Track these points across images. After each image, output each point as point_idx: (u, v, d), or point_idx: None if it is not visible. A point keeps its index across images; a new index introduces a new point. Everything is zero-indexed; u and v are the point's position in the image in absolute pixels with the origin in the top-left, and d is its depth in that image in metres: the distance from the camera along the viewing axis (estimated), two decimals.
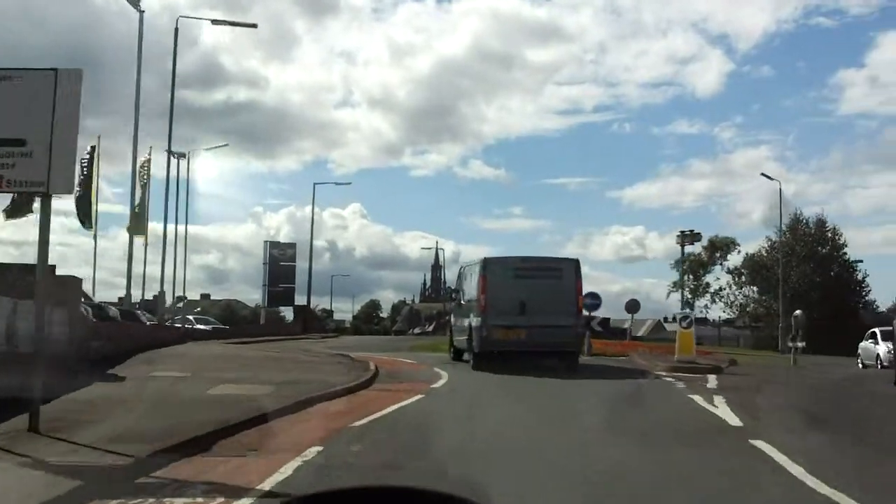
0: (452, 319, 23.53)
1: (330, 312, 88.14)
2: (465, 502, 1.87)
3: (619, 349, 27.97)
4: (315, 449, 8.33)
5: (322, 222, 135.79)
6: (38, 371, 8.61)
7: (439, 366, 19.51)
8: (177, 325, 39.06)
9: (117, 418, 9.85)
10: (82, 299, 24.40)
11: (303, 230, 64.56)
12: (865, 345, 28.75)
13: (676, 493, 6.91)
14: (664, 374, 18.37)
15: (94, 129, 77.39)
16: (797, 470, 7.41)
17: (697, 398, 13.11)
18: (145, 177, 38.04)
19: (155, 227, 48.16)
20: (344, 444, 8.77)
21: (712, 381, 16.52)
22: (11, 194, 20.47)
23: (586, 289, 27.74)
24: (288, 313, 66.41)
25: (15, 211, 25.10)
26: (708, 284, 61.85)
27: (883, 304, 59.49)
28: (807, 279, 53.45)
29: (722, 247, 61.23)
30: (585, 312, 27.83)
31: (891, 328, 28.38)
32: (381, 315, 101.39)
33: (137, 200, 38.91)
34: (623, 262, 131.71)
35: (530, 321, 18.74)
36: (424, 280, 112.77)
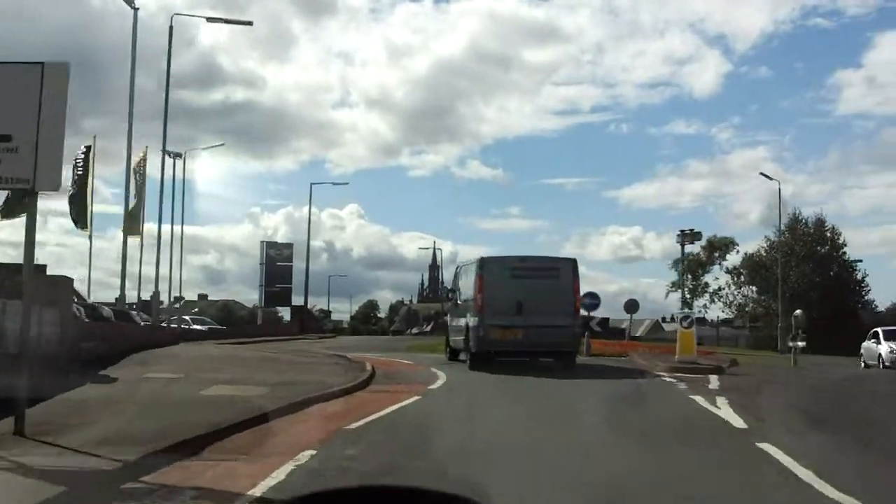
0: (448, 319, 23.32)
1: (328, 313, 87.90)
2: (465, 502, 1.86)
3: (618, 349, 27.73)
4: (309, 452, 8.10)
5: (320, 223, 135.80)
6: (23, 372, 8.38)
7: (437, 366, 19.28)
8: (173, 325, 38.92)
9: (107, 421, 9.62)
10: (75, 299, 24.20)
11: (300, 230, 64.68)
12: (868, 345, 28.48)
13: (682, 497, 6.69)
14: (665, 374, 18.13)
15: (92, 129, 77.43)
16: (805, 473, 7.20)
17: (699, 399, 12.89)
18: (141, 176, 37.77)
19: (152, 227, 47.93)
20: (339, 447, 8.55)
21: (714, 381, 16.29)
22: (6, 194, 20.37)
23: (584, 289, 27.52)
24: (286, 314, 66.17)
25: (9, 211, 24.89)
26: (707, 284, 61.66)
27: (881, 305, 59.47)
28: (806, 279, 53.22)
29: (721, 247, 60.98)
30: (584, 312, 27.73)
31: (894, 328, 28.28)
32: (378, 315, 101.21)
33: (132, 200, 38.78)
34: (620, 263, 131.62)
35: (527, 321, 18.56)
36: (422, 280, 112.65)
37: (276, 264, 60.09)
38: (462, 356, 20.74)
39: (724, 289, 60.57)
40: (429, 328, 68.70)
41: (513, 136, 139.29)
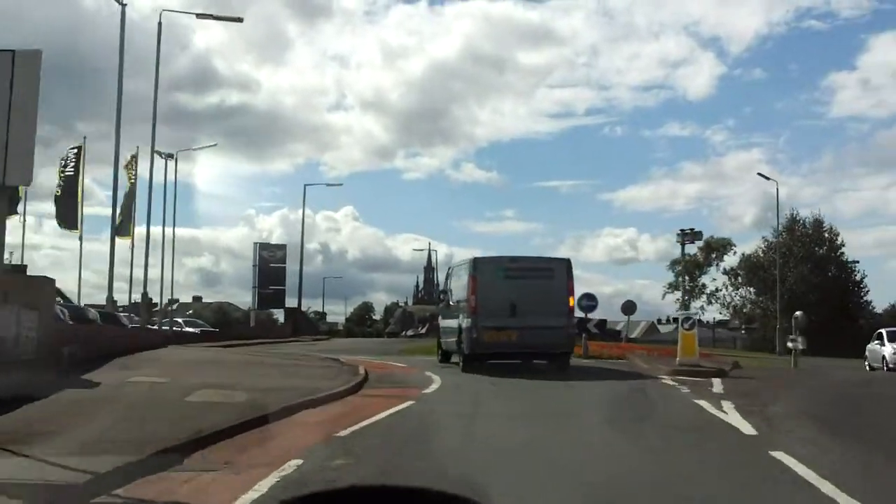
0: (440, 321, 22.91)
1: (322, 315, 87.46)
2: (465, 502, 1.86)
3: (616, 351, 27.24)
4: (294, 462, 7.63)
5: (314, 225, 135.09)
6: None
7: (431, 369, 18.82)
8: (164, 327, 38.39)
9: (82, 428, 9.12)
10: (60, 301, 23.66)
11: (295, 232, 64.15)
12: (872, 346, 27.99)
13: None
14: (666, 377, 17.66)
15: (88, 131, 76.75)
16: (825, 486, 6.72)
17: (704, 404, 12.39)
18: (133, 177, 37.29)
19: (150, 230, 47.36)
20: (328, 455, 8.07)
21: (717, 385, 15.81)
22: None
23: (580, 291, 27.23)
24: (280, 316, 65.64)
25: None
26: (704, 285, 61.22)
27: (877, 306, 59.11)
28: (804, 280, 52.83)
29: (718, 248, 60.52)
30: (582, 314, 27.32)
31: None
32: (373, 317, 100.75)
33: (121, 201, 38.27)
34: (615, 264, 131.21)
35: (521, 322, 18.27)
36: (417, 282, 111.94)
37: (270, 266, 59.47)
38: (454, 358, 20.44)
39: (721, 290, 60.20)
40: (424, 330, 68.19)
41: (507, 139, 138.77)
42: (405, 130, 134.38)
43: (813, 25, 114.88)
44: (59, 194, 34.87)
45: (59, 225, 34.92)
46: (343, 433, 9.35)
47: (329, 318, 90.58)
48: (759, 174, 56.31)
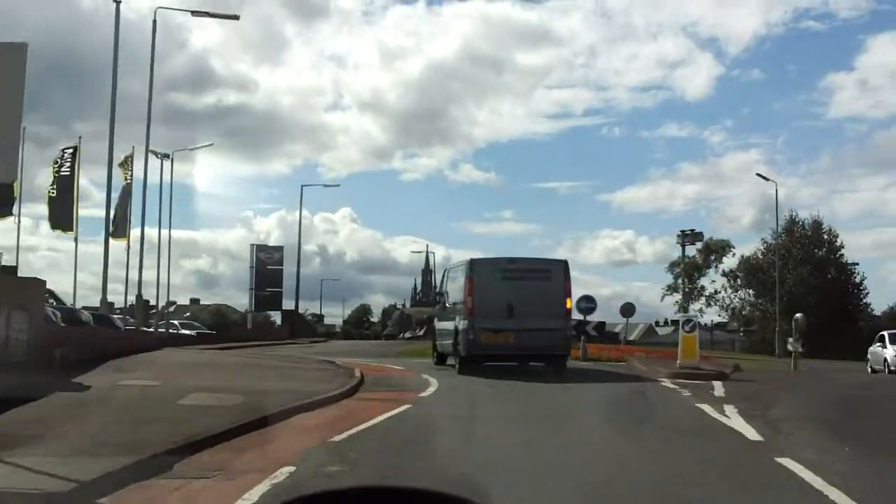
0: (436, 323, 22.73)
1: (320, 317, 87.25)
2: (465, 502, 1.86)
3: (615, 354, 26.97)
4: (287, 469, 7.41)
5: (312, 227, 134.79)
6: None
7: (428, 372, 18.60)
8: (160, 329, 38.13)
9: (70, 433, 8.89)
10: (53, 303, 23.45)
11: (293, 234, 63.73)
12: (874, 349, 27.69)
13: None
14: (667, 380, 17.43)
15: (87, 132, 76.48)
16: (834, 493, 6.51)
17: (706, 408, 12.16)
18: (129, 178, 37.00)
19: (147, 231, 47.09)
20: (322, 461, 7.86)
21: (718, 388, 15.56)
22: None
23: (578, 292, 27.02)
24: (278, 318, 65.32)
25: None
26: (703, 287, 60.97)
27: (876, 308, 58.92)
28: (803, 282, 52.61)
29: (717, 249, 60.28)
30: (581, 316, 27.08)
31: None
32: (371, 319, 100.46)
33: (115, 202, 37.97)
34: (613, 266, 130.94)
35: (518, 324, 18.13)
36: (415, 284, 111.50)
37: (267, 268, 59.14)
38: (450, 360, 20.26)
39: (720, 292, 59.98)
40: (421, 332, 67.89)
41: (505, 140, 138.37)
42: (403, 131, 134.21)
43: (811, 26, 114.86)
44: (53, 195, 34.55)
45: (53, 226, 34.59)
46: (338, 438, 9.14)
47: (327, 321, 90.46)
48: (759, 175, 56.16)
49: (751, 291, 58.01)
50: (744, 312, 59.26)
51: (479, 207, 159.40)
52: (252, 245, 61.68)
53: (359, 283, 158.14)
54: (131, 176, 36.66)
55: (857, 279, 56.57)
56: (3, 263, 29.14)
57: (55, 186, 34.21)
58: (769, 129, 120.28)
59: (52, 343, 15.42)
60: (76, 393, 12.04)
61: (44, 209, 35.46)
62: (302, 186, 59.89)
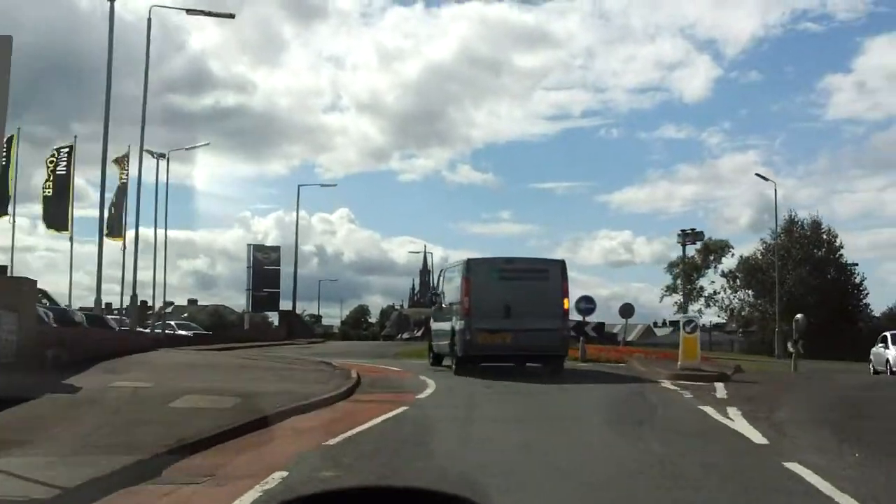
0: (432, 323, 22.54)
1: (318, 318, 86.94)
2: (465, 502, 1.88)
3: (614, 355, 26.73)
4: (279, 474, 7.19)
5: (310, 227, 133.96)
6: None
7: (425, 373, 18.39)
8: (157, 330, 37.91)
9: (58, 436, 8.67)
10: (46, 303, 23.17)
11: (291, 234, 63.30)
12: (877, 349, 27.43)
13: None
14: (667, 381, 17.20)
15: (85, 133, 76.29)
16: (846, 500, 6.30)
17: (709, 410, 11.93)
18: (125, 177, 36.81)
19: (144, 231, 46.91)
20: (314, 467, 7.63)
21: (720, 389, 15.34)
22: None
23: (576, 293, 26.84)
24: (276, 319, 65.03)
25: None
26: (702, 288, 60.69)
27: (874, 309, 58.72)
28: (803, 283, 52.40)
29: (716, 250, 60.01)
30: (580, 317, 26.87)
31: None
32: (369, 320, 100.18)
33: (109, 202, 37.72)
34: (611, 267, 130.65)
35: (516, 325, 17.97)
36: (413, 285, 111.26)
37: (264, 268, 58.79)
38: (446, 361, 20.09)
39: (719, 293, 59.74)
40: (419, 333, 67.62)
41: (503, 141, 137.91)
42: (401, 132, 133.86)
43: (809, 28, 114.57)
44: (49, 194, 34.31)
45: (48, 226, 34.35)
46: (333, 441, 8.92)
47: (325, 321, 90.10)
48: (758, 175, 56.00)
49: (750, 292, 57.79)
50: (743, 313, 59.01)
51: (477, 208, 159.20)
52: (249, 245, 61.38)
53: (357, 283, 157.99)
54: (127, 175, 36.51)
55: (857, 280, 56.42)
56: None
57: (51, 186, 33.97)
58: (767, 130, 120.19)
59: (44, 344, 15.19)
60: (66, 395, 11.80)
61: (41, 209, 35.17)
62: (299, 186, 59.65)
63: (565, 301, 19.07)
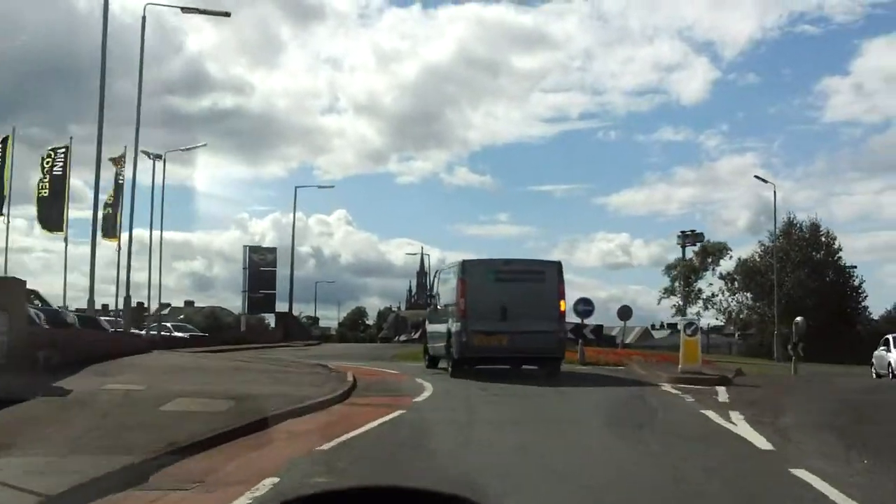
0: (427, 325, 22.35)
1: (315, 319, 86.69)
2: (465, 502, 1.86)
3: (613, 357, 26.51)
4: (270, 480, 6.97)
5: (307, 229, 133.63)
6: None
7: (422, 376, 18.18)
8: (152, 332, 37.66)
9: (43, 440, 8.45)
10: (38, 304, 22.94)
11: (288, 236, 63.17)
12: (879, 353, 27.15)
13: None
14: (668, 385, 16.98)
15: (83, 134, 75.93)
16: None
17: (711, 414, 11.71)
18: (121, 178, 36.59)
19: (140, 232, 46.80)
20: (306, 473, 7.40)
21: (722, 393, 15.12)
22: None
23: (574, 295, 26.62)
24: (273, 321, 64.81)
25: None
26: (700, 290, 60.40)
27: (874, 312, 58.53)
28: (801, 285, 52.18)
29: (714, 252, 59.73)
30: (578, 319, 26.65)
31: None
32: (367, 322, 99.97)
33: (103, 202, 37.47)
34: (609, 269, 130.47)
35: (512, 326, 17.83)
36: (410, 287, 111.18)
37: (260, 269, 58.50)
38: (442, 363, 19.94)
39: (717, 295, 59.49)
40: (417, 335, 67.41)
41: (501, 143, 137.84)
42: (399, 134, 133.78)
43: (806, 30, 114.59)
44: (45, 195, 34.06)
45: (43, 227, 34.12)
46: (326, 446, 8.68)
47: (322, 323, 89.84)
48: (757, 177, 55.78)
49: (748, 294, 57.54)
50: (741, 316, 58.76)
51: (475, 210, 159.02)
52: (245, 247, 61.05)
53: (354, 285, 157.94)
54: (124, 177, 36.29)
55: (856, 282, 56.21)
56: None
57: (47, 186, 33.73)
58: (765, 132, 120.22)
59: (35, 345, 14.96)
60: (55, 398, 11.56)
61: (32, 210, 34.96)
62: (296, 188, 59.64)
63: (562, 303, 18.91)
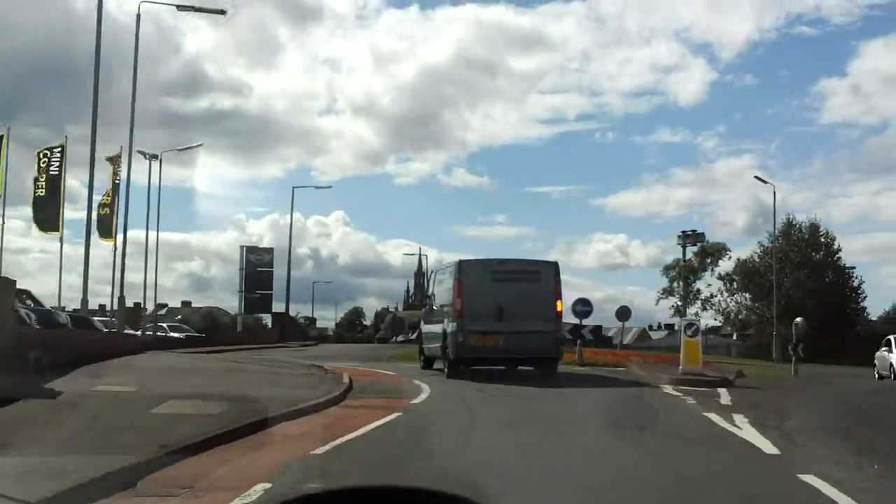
0: (422, 326, 22.19)
1: (312, 320, 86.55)
2: (465, 502, 1.89)
3: (611, 358, 26.29)
4: (262, 486, 6.73)
5: (305, 230, 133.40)
6: None
7: (419, 377, 17.95)
8: (147, 332, 37.43)
9: (28, 444, 8.19)
10: (30, 304, 22.68)
11: (285, 237, 62.86)
12: (881, 354, 26.92)
13: None
14: (669, 386, 16.74)
15: (80, 135, 75.58)
16: None
17: (714, 417, 11.47)
18: (118, 178, 36.33)
19: (136, 234, 46.61)
20: (298, 479, 7.14)
21: (724, 395, 14.88)
22: None
23: (571, 296, 26.47)
24: (270, 321, 64.59)
25: None
26: (699, 291, 60.16)
27: (871, 313, 58.34)
28: (801, 286, 51.98)
29: (713, 252, 59.48)
30: (576, 320, 26.45)
31: None
32: (364, 323, 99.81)
33: (101, 202, 37.27)
34: (606, 270, 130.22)
35: (508, 327, 17.73)
36: (408, 287, 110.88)
37: (257, 270, 58.29)
38: (437, 364, 19.79)
39: (716, 296, 59.25)
40: (414, 336, 67.18)
41: (499, 144, 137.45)
42: (396, 135, 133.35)
43: (804, 31, 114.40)
44: (41, 194, 33.79)
45: (39, 227, 33.86)
46: (320, 450, 8.43)
47: (319, 324, 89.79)
48: (757, 177, 55.54)
49: (747, 295, 57.32)
50: (740, 316, 58.53)
51: (473, 211, 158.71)
52: (242, 246, 60.87)
53: (352, 286, 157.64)
54: (120, 177, 36.01)
55: (856, 283, 56.00)
56: None
57: (43, 186, 33.47)
58: (762, 134, 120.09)
59: (25, 346, 14.72)
60: (44, 400, 11.30)
61: (28, 212, 34.66)
62: (293, 188, 59.49)
63: (558, 303, 18.81)
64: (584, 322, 28.30)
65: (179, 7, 24.55)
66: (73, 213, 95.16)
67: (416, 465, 7.92)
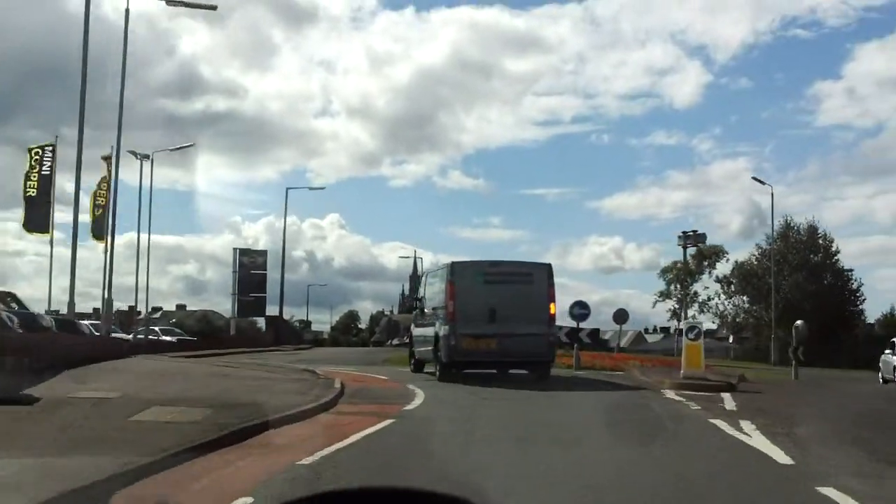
0: (413, 329, 21.79)
1: (307, 323, 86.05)
2: (465, 503, 1.85)
3: (609, 362, 25.82)
4: (243, 500, 6.26)
5: (300, 233, 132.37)
6: None
7: (412, 381, 17.47)
8: (139, 336, 36.93)
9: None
10: (15, 307, 22.14)
11: (281, 240, 62.50)
12: (886, 357, 26.48)
13: None
14: (671, 391, 16.28)
15: (75, 137, 74.98)
16: None
17: (721, 424, 11.00)
18: (110, 180, 35.80)
19: (132, 236, 46.12)
20: (283, 492, 6.63)
21: (728, 401, 14.42)
22: None
23: (567, 299, 26.07)
24: (264, 324, 64.05)
25: None
26: (696, 294, 59.78)
27: (868, 317, 57.92)
28: (799, 288, 51.55)
29: (710, 255, 59.13)
30: (574, 323, 26.00)
31: None
32: (359, 326, 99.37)
33: (97, 204, 36.78)
34: (601, 273, 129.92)
35: (501, 329, 17.41)
36: (403, 291, 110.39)
37: (251, 272, 57.70)
38: (428, 368, 19.46)
39: (713, 298, 58.87)
40: (408, 339, 66.74)
41: (494, 146, 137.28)
42: (391, 137, 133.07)
43: (799, 34, 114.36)
44: (33, 194, 33.22)
45: (28, 229, 33.33)
46: (308, 460, 7.95)
47: (314, 327, 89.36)
48: (755, 178, 55.19)
49: (745, 298, 56.88)
50: (738, 319, 58.09)
51: (468, 213, 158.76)
52: (235, 249, 60.22)
53: (347, 289, 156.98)
54: (109, 178, 35.49)
55: (854, 285, 55.56)
56: None
57: (34, 186, 32.92)
58: (757, 136, 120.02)
59: (6, 350, 14.20)
60: (21, 407, 10.77)
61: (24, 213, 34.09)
62: (287, 190, 58.84)
63: (552, 305, 18.42)
64: (582, 325, 27.84)
65: (169, 2, 24.09)
66: (66, 215, 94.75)
67: (409, 478, 7.43)
